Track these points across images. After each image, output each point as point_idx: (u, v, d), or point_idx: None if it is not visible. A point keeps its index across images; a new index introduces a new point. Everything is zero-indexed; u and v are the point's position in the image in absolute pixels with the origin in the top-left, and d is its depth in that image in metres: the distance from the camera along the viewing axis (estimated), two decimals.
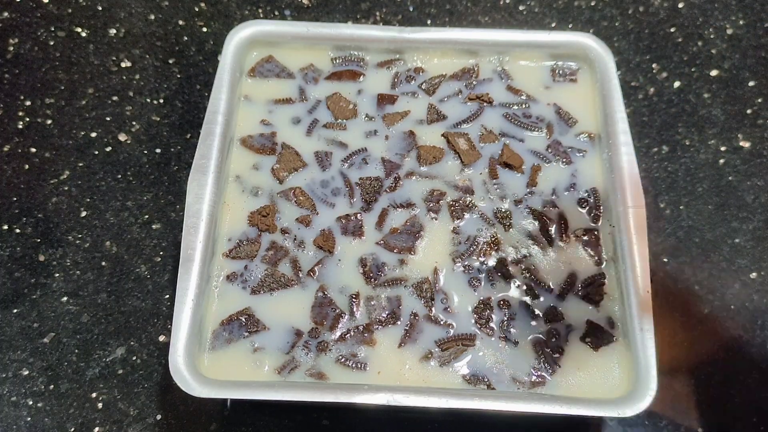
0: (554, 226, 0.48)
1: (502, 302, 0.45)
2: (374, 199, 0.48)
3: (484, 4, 0.68)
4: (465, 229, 0.48)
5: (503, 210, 0.48)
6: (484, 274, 0.46)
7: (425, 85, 0.53)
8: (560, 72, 0.54)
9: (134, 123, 0.60)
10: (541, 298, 0.45)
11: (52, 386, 0.50)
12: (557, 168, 0.50)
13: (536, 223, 0.48)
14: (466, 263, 0.46)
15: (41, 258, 0.54)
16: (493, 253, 0.47)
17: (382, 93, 0.53)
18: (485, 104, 0.52)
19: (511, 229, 0.47)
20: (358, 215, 0.48)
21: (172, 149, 0.59)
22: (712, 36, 0.66)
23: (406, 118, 0.52)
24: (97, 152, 0.59)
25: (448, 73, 0.54)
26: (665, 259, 0.55)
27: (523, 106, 0.52)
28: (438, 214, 0.48)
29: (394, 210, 0.48)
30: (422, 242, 0.47)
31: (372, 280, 0.45)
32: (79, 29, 0.65)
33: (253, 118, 0.52)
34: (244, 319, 0.44)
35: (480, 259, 0.46)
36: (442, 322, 0.44)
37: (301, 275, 0.46)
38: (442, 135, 0.51)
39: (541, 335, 0.44)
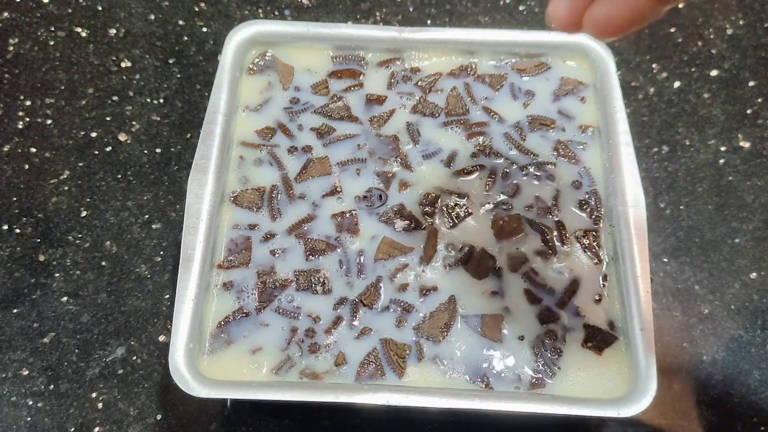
0: (554, 234, 0.47)
1: (501, 301, 0.45)
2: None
3: (484, 4, 0.68)
4: (460, 236, 0.47)
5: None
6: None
7: (421, 82, 0.53)
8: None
9: (134, 123, 0.60)
10: (542, 301, 0.45)
11: (52, 386, 0.50)
12: (561, 166, 0.50)
13: (538, 234, 0.47)
14: (461, 267, 0.46)
15: (41, 258, 0.54)
16: (488, 260, 0.46)
17: (371, 94, 0.53)
18: (492, 119, 0.52)
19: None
20: (353, 211, 0.48)
21: (172, 149, 0.59)
22: (712, 36, 0.66)
23: (394, 118, 0.52)
24: (97, 152, 0.59)
25: (445, 71, 0.54)
26: (665, 259, 0.55)
27: (525, 105, 0.52)
28: (434, 218, 0.48)
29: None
30: (420, 245, 0.47)
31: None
32: (79, 29, 0.65)
33: (254, 119, 0.52)
34: (240, 318, 0.44)
35: (474, 264, 0.46)
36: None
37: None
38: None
39: (538, 336, 0.44)
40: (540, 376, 0.43)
